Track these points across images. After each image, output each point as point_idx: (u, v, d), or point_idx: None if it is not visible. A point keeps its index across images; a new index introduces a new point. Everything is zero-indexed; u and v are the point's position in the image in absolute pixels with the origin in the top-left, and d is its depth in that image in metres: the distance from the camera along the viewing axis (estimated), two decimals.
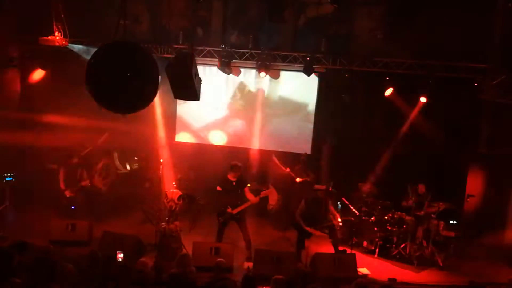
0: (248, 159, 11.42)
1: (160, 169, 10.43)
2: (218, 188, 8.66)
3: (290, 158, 11.22)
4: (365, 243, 9.63)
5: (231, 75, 10.94)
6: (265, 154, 11.53)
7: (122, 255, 6.53)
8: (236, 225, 8.76)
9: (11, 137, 10.64)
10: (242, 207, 8.58)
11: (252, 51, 10.27)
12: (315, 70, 10.35)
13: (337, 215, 8.86)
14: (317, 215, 8.74)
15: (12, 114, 10.68)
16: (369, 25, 10.25)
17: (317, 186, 9.96)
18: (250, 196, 8.61)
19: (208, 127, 12.19)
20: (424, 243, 9.26)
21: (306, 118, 11.68)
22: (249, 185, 8.90)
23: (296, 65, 10.36)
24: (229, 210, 8.53)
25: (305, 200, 8.83)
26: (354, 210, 9.90)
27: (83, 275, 5.63)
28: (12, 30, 10.36)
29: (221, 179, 8.68)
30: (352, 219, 9.62)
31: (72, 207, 9.48)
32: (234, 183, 8.58)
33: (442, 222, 9.37)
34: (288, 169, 10.62)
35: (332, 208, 8.87)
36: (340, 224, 8.78)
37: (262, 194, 8.73)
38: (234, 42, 10.67)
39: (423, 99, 9.80)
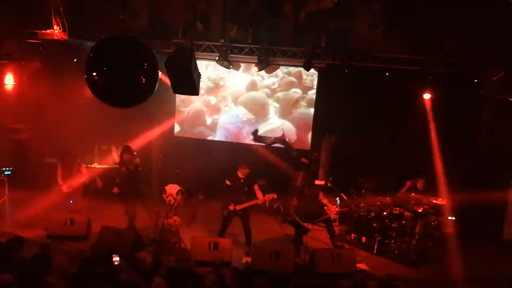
0: (248, 155, 11.38)
1: (159, 164, 10.41)
2: (227, 182, 8.73)
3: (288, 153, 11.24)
4: (363, 239, 9.64)
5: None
6: (263, 149, 11.51)
7: (117, 258, 6.22)
8: (239, 221, 8.80)
9: (9, 131, 10.64)
10: (247, 204, 8.62)
11: (252, 46, 10.25)
12: (314, 65, 10.33)
13: (332, 206, 8.87)
14: (312, 210, 8.75)
15: (10, 108, 10.66)
16: (369, 20, 10.21)
17: (316, 182, 9.95)
18: (259, 194, 8.64)
19: (207, 122, 12.17)
20: (423, 239, 9.26)
21: (305, 113, 11.64)
22: (263, 183, 8.96)
23: (295, 60, 10.34)
24: (231, 207, 8.57)
25: (298, 198, 8.82)
26: (352, 206, 9.91)
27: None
28: (11, 24, 10.31)
29: (231, 174, 8.77)
30: (347, 209, 9.63)
31: (71, 201, 9.48)
32: (242, 180, 8.68)
33: (440, 217, 9.37)
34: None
35: (326, 201, 8.87)
36: (336, 215, 8.73)
37: (266, 197, 8.71)
38: (233, 37, 10.64)
39: (427, 96, 9.80)
